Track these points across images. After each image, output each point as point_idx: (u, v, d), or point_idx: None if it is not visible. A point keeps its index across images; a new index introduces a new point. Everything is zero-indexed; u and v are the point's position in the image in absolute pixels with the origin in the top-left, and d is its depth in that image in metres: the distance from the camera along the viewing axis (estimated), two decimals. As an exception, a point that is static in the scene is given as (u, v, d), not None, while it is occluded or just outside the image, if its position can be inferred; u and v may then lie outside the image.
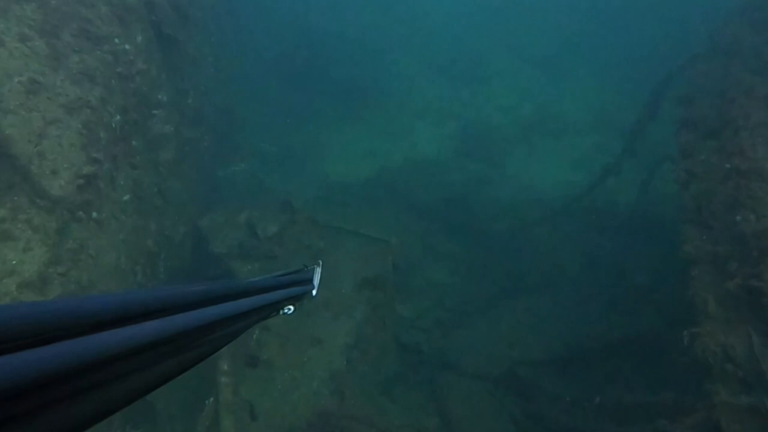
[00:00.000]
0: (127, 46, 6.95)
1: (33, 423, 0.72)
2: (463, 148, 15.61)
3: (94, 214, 5.82)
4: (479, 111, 17.41)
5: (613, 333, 9.39)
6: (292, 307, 1.68)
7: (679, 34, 15.33)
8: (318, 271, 2.04)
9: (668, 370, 8.51)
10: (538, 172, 15.09)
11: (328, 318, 7.62)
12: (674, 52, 12.94)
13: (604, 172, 11.29)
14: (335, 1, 19.70)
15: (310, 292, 1.91)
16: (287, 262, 8.07)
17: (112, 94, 6.43)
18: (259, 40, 16.08)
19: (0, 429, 0.67)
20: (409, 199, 13.03)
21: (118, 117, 6.48)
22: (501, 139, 16.23)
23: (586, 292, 10.70)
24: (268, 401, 6.52)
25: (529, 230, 12.46)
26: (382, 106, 16.95)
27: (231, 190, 12.18)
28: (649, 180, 10.22)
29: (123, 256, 6.48)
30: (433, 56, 19.51)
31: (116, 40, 6.68)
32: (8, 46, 5.39)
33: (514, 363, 8.78)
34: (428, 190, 13.46)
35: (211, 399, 6.46)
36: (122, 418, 6.20)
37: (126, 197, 6.64)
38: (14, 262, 4.95)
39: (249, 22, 15.02)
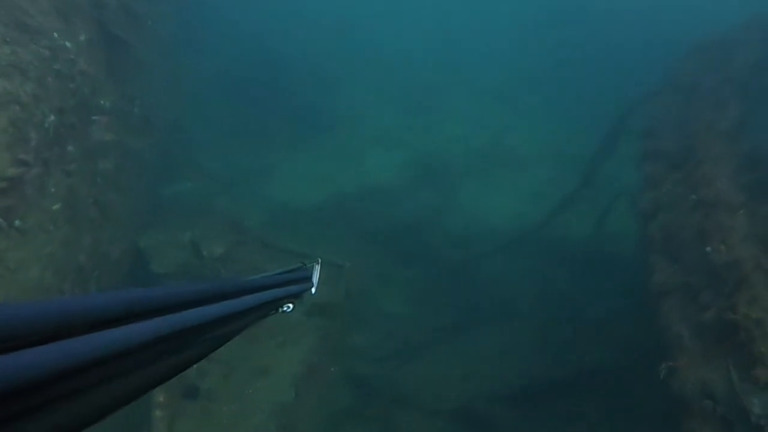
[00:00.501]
0: (67, 44, 6.33)
1: (33, 423, 0.71)
2: (416, 177, 15.37)
3: (17, 222, 5.12)
4: (433, 141, 17.26)
5: (570, 367, 9.14)
6: (291, 305, 1.64)
7: (630, 71, 15.70)
8: (317, 268, 1.99)
9: (632, 407, 8.27)
10: (490, 203, 14.95)
11: (275, 346, 7.03)
12: (626, 88, 13.22)
13: (559, 204, 11.17)
14: (292, 26, 19.42)
15: (310, 290, 1.86)
16: (234, 285, 7.46)
17: (47, 92, 5.78)
18: (214, 57, 15.54)
19: (5, 425, 0.66)
20: (361, 226, 12.60)
21: (53, 118, 5.82)
22: (454, 170, 16.08)
23: (541, 325, 10.45)
24: (207, 437, 5.85)
25: (483, 261, 12.21)
26: (336, 132, 16.58)
27: (175, 209, 11.45)
28: (605, 214, 10.14)
29: (49, 271, 5.74)
30: (387, 86, 19.37)
31: (55, 35, 6.06)
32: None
33: (470, 398, 8.36)
34: (381, 218, 13.08)
35: (143, 435, 5.74)
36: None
37: (57, 206, 5.93)
38: None
39: (205, 37, 14.49)
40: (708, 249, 5.68)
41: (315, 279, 1.93)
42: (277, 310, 1.61)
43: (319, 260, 2.03)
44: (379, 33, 21.76)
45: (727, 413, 4.47)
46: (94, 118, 7.02)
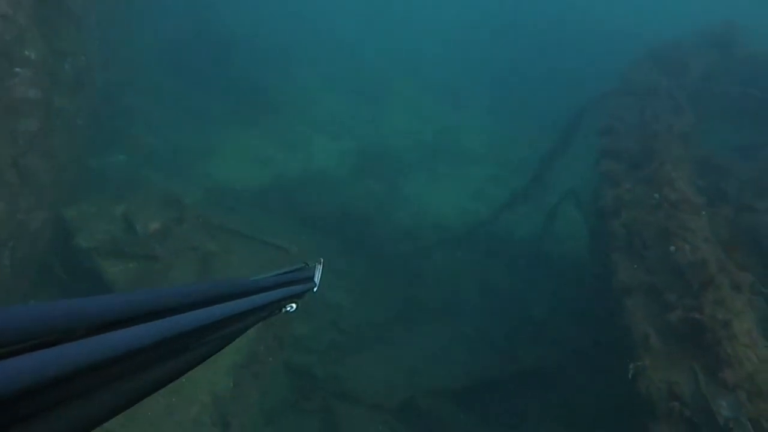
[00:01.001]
0: (-11, -20, 5.52)
1: (45, 422, 0.72)
2: (361, 167, 14.94)
3: None
4: (380, 131, 16.89)
5: (512, 364, 8.98)
6: (294, 305, 1.63)
7: (583, 74, 15.86)
8: (319, 269, 1.92)
9: (572, 404, 8.18)
10: (435, 197, 14.73)
11: (213, 333, 6.45)
12: (577, 90, 13.28)
13: (507, 202, 11.04)
14: (244, 5, 18.55)
15: (312, 289, 1.82)
16: (170, 264, 6.81)
17: (-38, 31, 4.98)
18: (158, 26, 14.53)
19: (11, 428, 0.67)
20: (304, 212, 12.06)
21: (-32, 61, 5.03)
22: (400, 162, 15.76)
23: (484, 322, 10.28)
24: None
25: (428, 255, 11.93)
26: (281, 115, 15.92)
27: (106, 182, 10.53)
28: (553, 214, 10.05)
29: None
30: (336, 73, 18.85)
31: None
32: None
33: (414, 392, 8.03)
34: (324, 205, 12.57)
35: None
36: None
37: (-33, 163, 5.14)
38: None
39: (149, 5, 13.49)
40: (672, 248, 5.56)
41: (317, 279, 1.88)
42: (280, 309, 1.58)
43: (321, 260, 1.96)
44: (331, 20, 21.19)
45: (694, 415, 4.31)
46: (16, 70, 6.20)
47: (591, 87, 11.33)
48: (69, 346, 0.75)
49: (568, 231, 11.56)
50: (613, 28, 19.53)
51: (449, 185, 15.53)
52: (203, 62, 15.21)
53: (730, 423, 4.14)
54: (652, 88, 8.44)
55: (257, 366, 6.57)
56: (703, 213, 5.89)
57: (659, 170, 6.44)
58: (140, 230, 7.09)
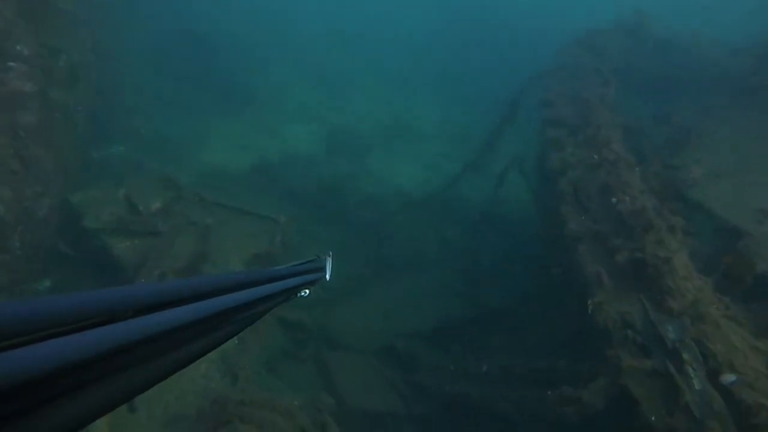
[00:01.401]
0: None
1: (112, 383, 0.74)
2: (331, 147, 14.44)
3: None
4: (345, 117, 16.34)
5: (476, 307, 8.84)
6: (308, 291, 1.58)
7: (509, 63, 15.63)
8: (329, 260, 1.87)
9: (525, 337, 8.09)
10: (396, 170, 14.39)
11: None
12: (516, 74, 13.05)
13: (461, 170, 10.78)
14: (221, 10, 17.49)
15: (324, 277, 1.77)
16: (172, 238, 6.27)
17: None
18: (145, 27, 13.50)
19: (68, 394, 0.67)
20: (285, 187, 11.54)
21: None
22: (363, 142, 15.29)
23: (447, 273, 10.10)
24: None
25: (393, 219, 11.64)
26: (259, 105, 15.18)
27: (107, 171, 9.76)
28: (502, 179, 9.83)
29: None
30: (304, 67, 18.11)
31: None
32: None
33: (391, 337, 7.79)
34: (302, 181, 12.05)
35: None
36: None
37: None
38: None
39: (134, 9, 12.48)
40: (614, 200, 5.38)
41: (328, 268, 1.84)
42: (296, 294, 1.54)
43: (330, 253, 1.92)
44: (294, 21, 20.26)
45: (646, 340, 4.17)
46: (10, 64, 5.49)
47: (523, 74, 11.13)
48: (121, 324, 0.77)
49: (513, 193, 11.43)
50: (541, 26, 19.28)
51: (406, 160, 15.19)
52: (186, 60, 14.30)
53: (677, 344, 4.01)
54: (581, 66, 8.23)
55: (258, 322, 6.17)
56: (637, 169, 5.73)
57: (596, 134, 6.24)
58: (143, 210, 6.53)
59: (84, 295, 0.74)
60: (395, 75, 19.58)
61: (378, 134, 15.92)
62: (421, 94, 18.56)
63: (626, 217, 5.08)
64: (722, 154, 6.86)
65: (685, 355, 3.91)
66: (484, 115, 16.48)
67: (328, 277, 1.81)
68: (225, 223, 6.62)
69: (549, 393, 4.74)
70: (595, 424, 4.20)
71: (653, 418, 3.78)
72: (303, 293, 1.57)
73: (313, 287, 1.63)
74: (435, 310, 8.67)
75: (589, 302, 4.43)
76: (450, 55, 19.91)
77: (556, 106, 7.23)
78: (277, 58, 17.69)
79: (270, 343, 6.68)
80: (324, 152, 14.00)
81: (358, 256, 10.18)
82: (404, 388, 6.84)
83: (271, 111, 15.10)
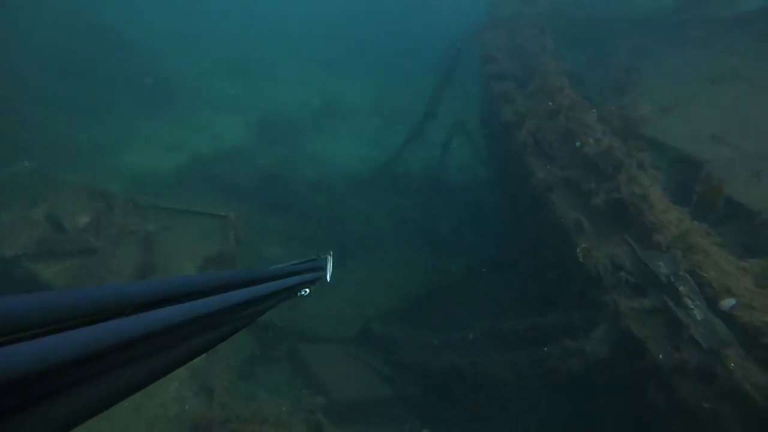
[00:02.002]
0: None
1: (103, 382, 0.71)
2: (266, 136, 13.69)
3: None
4: (275, 104, 15.56)
5: (439, 277, 8.65)
6: (308, 290, 1.54)
7: (431, 26, 15.41)
8: (330, 260, 1.81)
9: (494, 297, 7.98)
10: (336, 150, 13.91)
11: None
12: (431, 40, 12.84)
13: (405, 142, 10.46)
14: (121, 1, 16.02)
15: (325, 277, 1.73)
16: (111, 253, 5.55)
17: None
18: (34, 29, 12.07)
19: (65, 390, 0.65)
20: (225, 182, 10.80)
21: None
22: (297, 126, 14.63)
23: (407, 248, 9.84)
24: (112, 425, 4.17)
25: (342, 201, 11.21)
26: (181, 102, 14.12)
27: (17, 191, 8.63)
28: (447, 145, 9.60)
29: None
30: (222, 57, 17.04)
31: None
32: None
33: (365, 321, 7.45)
34: (242, 174, 11.33)
35: None
36: None
37: None
38: None
39: (23, 13, 11.08)
40: (577, 144, 5.24)
41: (329, 267, 1.80)
42: (296, 293, 1.49)
43: (331, 252, 1.89)
44: (207, 10, 18.98)
45: (638, 280, 4.06)
46: None
47: (450, 36, 10.91)
48: (119, 321, 0.76)
49: (457, 158, 11.29)
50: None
51: (345, 139, 14.73)
52: (94, 59, 12.99)
53: (671, 278, 3.91)
54: (516, 17, 8.06)
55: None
56: (594, 111, 5.62)
57: (547, 82, 6.08)
58: (69, 227, 5.73)
59: (82, 291, 0.73)
60: (317, 54, 18.90)
61: (311, 116, 15.31)
62: (348, 71, 18.03)
63: (594, 160, 4.95)
64: (665, 90, 6.93)
65: (681, 288, 3.83)
66: (418, 85, 16.27)
67: (329, 277, 1.76)
68: (169, 227, 5.95)
69: (545, 349, 4.58)
70: (600, 372, 4.06)
71: (661, 356, 3.67)
72: (303, 292, 1.54)
73: (313, 287, 1.58)
74: (404, 287, 8.39)
75: (577, 250, 4.26)
76: (370, 28, 19.43)
77: (499, 60, 7.02)
78: (192, 51, 16.53)
79: (239, 348, 6.14)
80: (259, 142, 13.27)
81: (314, 243, 9.72)
82: (388, 370, 6.53)
83: (194, 106, 14.10)
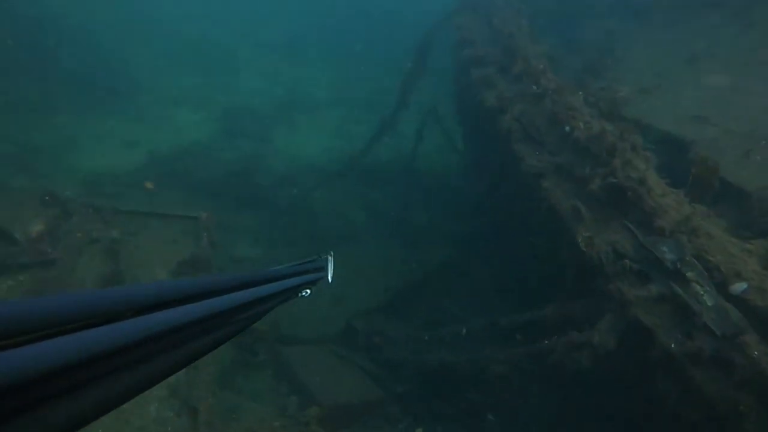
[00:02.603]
0: None
1: (98, 387, 0.70)
2: (230, 130, 13.07)
3: None
4: (236, 95, 14.89)
5: (422, 267, 8.41)
6: (309, 290, 1.53)
7: (396, 14, 15.05)
8: (330, 260, 1.76)
9: (471, 285, 7.80)
10: (303, 143, 13.44)
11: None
12: (397, 28, 12.48)
13: (377, 132, 10.12)
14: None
15: (326, 278, 1.68)
16: (72, 263, 5.02)
17: None
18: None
19: (67, 393, 0.65)
20: (190, 180, 10.22)
21: None
22: (262, 119, 14.07)
23: (382, 239, 9.56)
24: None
25: (311, 195, 10.80)
26: (134, 97, 13.29)
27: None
28: (420, 134, 9.31)
29: None
30: (175, 49, 16.16)
31: None
32: None
33: (347, 319, 7.14)
34: (207, 170, 10.75)
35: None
36: None
37: None
38: None
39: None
40: (567, 129, 5.06)
41: (330, 268, 1.72)
42: (297, 294, 1.46)
43: (332, 253, 1.79)
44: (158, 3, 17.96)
45: (642, 267, 3.91)
46: None
47: (417, 25, 10.59)
48: (121, 323, 0.75)
49: (429, 146, 11.05)
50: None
51: (311, 130, 14.26)
52: (38, 54, 12.00)
53: (677, 264, 3.78)
54: (486, 2, 7.83)
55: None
56: (580, 93, 5.45)
57: (530, 65, 5.87)
58: (21, 237, 5.15)
59: (84, 294, 0.73)
60: (277, 47, 18.24)
61: (276, 108, 14.74)
62: (311, 61, 17.47)
63: (586, 144, 4.77)
64: (640, 72, 6.86)
65: (689, 274, 3.69)
66: (381, 72, 15.91)
67: (330, 278, 1.71)
68: (136, 233, 5.44)
69: (546, 342, 4.40)
70: (608, 365, 3.91)
71: (673, 345, 3.53)
72: (304, 293, 1.51)
73: (314, 287, 1.54)
74: (384, 280, 8.11)
75: (579, 239, 4.07)
76: (332, 16, 18.88)
77: (476, 43, 6.77)
78: (144, 43, 15.59)
79: (219, 358, 5.73)
80: (222, 136, 12.64)
81: (288, 240, 9.31)
82: (376, 369, 6.26)
83: (150, 101, 13.30)
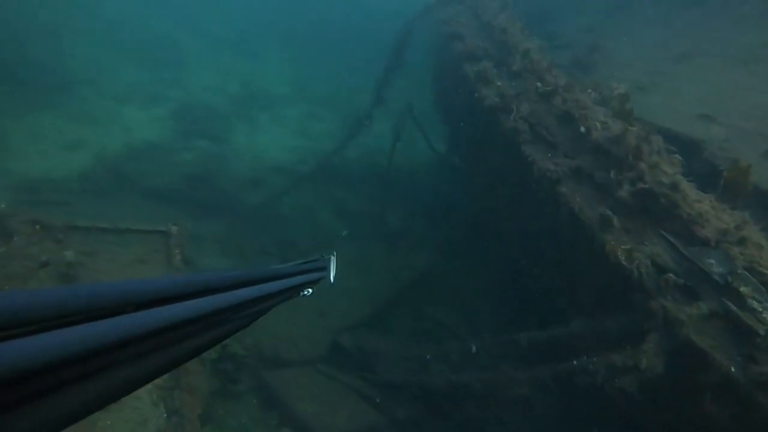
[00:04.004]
0: None
1: (108, 377, 0.70)
2: (184, 129, 12.01)
3: None
4: (188, 91, 13.78)
5: (403, 277, 7.89)
6: (310, 290, 1.49)
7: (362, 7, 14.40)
8: (333, 260, 1.74)
9: (458, 294, 7.37)
10: (265, 142, 12.57)
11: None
12: (360, 24, 11.85)
13: (352, 129, 9.49)
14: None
15: (328, 278, 1.65)
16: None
17: None
18: None
19: (67, 385, 0.64)
20: (143, 185, 9.21)
21: None
22: (218, 117, 13.06)
23: (358, 246, 8.95)
24: None
25: (278, 198, 10.04)
26: (77, 93, 11.95)
27: None
28: (398, 133, 8.76)
29: None
30: (122, 44, 14.78)
31: None
32: None
33: (334, 334, 6.52)
34: (162, 174, 9.76)
35: None
36: None
37: None
38: None
39: None
40: (582, 129, 4.66)
41: (332, 267, 1.69)
42: (299, 293, 1.42)
43: (335, 252, 1.76)
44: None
45: (687, 281, 3.56)
46: None
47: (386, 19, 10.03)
48: (122, 317, 0.74)
49: (404, 145, 10.52)
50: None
51: (272, 129, 13.40)
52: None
53: (728, 277, 3.44)
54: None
55: (178, 372, 4.46)
56: (589, 91, 5.08)
57: (531, 61, 5.44)
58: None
59: (86, 287, 0.72)
60: (229, 41, 17.15)
61: (231, 106, 13.76)
62: (267, 55, 16.52)
63: (607, 146, 4.38)
64: (633, 68, 6.61)
65: (743, 288, 3.36)
66: (344, 65, 15.23)
67: (332, 278, 1.68)
68: (94, 253, 4.58)
69: (574, 363, 3.98)
70: (656, 391, 3.53)
71: (733, 369, 3.18)
72: (305, 292, 1.48)
73: (316, 287, 1.52)
74: (366, 289, 7.53)
75: (618, 252, 3.65)
76: (287, 17, 17.95)
77: (466, 38, 6.28)
78: (84, 34, 14.15)
79: (197, 391, 4.97)
80: (177, 135, 11.58)
81: (258, 250, 8.54)
82: (371, 391, 5.68)
83: (94, 97, 12.00)
